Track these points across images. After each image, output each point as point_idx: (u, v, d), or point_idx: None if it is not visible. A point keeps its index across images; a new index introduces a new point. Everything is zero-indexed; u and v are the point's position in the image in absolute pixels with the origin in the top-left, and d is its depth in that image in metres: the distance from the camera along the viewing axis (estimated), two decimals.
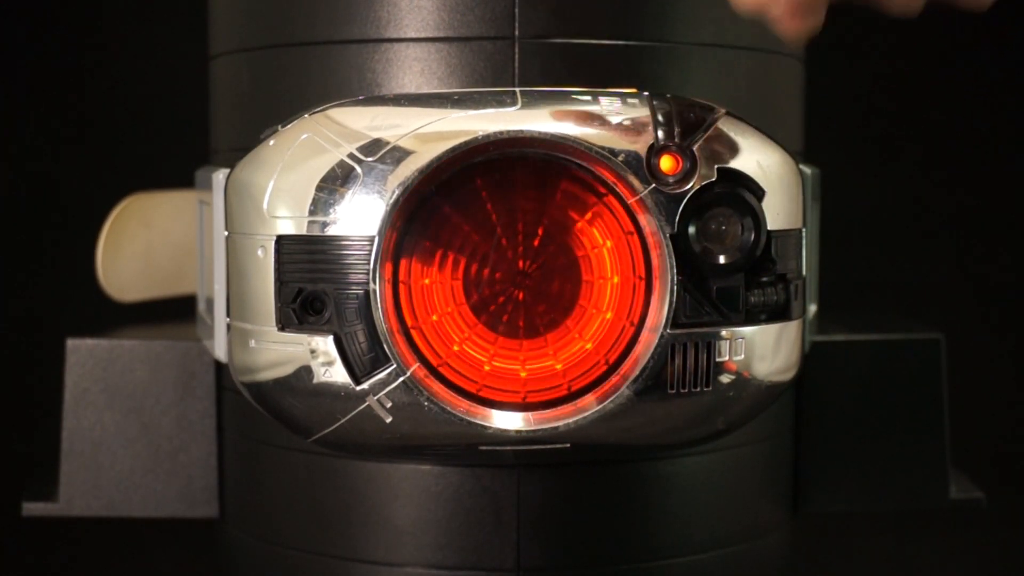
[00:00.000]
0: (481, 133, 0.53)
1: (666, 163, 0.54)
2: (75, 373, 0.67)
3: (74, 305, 0.87)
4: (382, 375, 0.54)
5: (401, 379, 0.54)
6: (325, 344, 0.54)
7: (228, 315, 0.57)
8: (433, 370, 0.55)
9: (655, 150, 0.54)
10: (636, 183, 0.54)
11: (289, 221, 0.54)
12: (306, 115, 0.55)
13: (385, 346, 0.54)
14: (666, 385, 0.54)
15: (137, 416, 0.67)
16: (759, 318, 0.56)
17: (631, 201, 0.54)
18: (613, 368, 0.55)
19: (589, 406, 0.55)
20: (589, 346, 0.56)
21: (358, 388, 0.54)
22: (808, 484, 0.68)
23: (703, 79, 0.60)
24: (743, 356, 0.55)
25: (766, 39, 0.63)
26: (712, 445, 0.61)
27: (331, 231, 0.53)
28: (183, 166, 0.73)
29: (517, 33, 0.58)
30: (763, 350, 0.56)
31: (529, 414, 0.55)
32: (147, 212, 0.75)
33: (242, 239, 0.56)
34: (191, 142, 0.78)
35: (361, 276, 0.53)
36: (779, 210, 0.56)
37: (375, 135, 0.54)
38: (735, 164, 0.55)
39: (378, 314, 0.53)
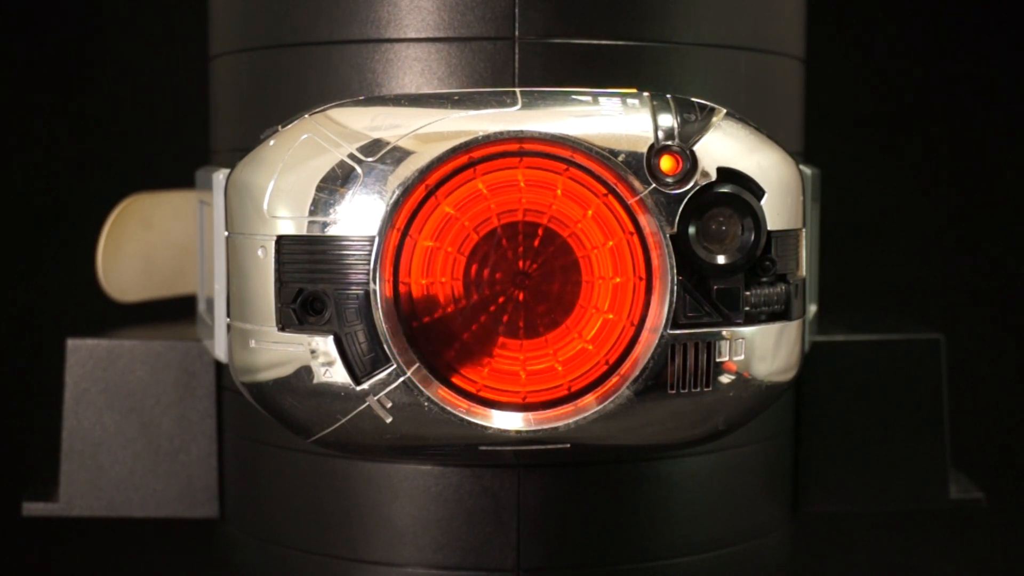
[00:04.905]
0: (481, 133, 0.53)
1: (666, 163, 0.54)
2: (75, 373, 0.67)
3: (74, 305, 0.87)
4: (382, 375, 0.54)
5: (401, 379, 0.54)
6: (325, 344, 0.54)
7: (228, 315, 0.57)
8: (433, 370, 0.55)
9: (655, 150, 0.54)
10: (636, 183, 0.54)
11: (289, 221, 0.54)
12: (306, 115, 0.55)
13: (385, 346, 0.54)
14: (666, 385, 0.54)
15: (137, 416, 0.67)
16: (759, 318, 0.56)
17: (631, 201, 0.54)
18: (613, 368, 0.55)
19: (589, 406, 0.55)
20: (589, 347, 0.56)
21: (358, 388, 0.54)
22: (808, 484, 0.68)
23: (703, 79, 0.60)
24: (743, 356, 0.55)
25: (766, 39, 0.63)
26: (712, 445, 0.61)
27: (331, 231, 0.53)
28: (183, 166, 0.73)
29: (517, 33, 0.58)
30: (763, 350, 0.56)
31: (529, 414, 0.55)
32: (147, 212, 0.75)
33: (242, 239, 0.56)
34: (191, 142, 0.78)
35: (361, 276, 0.53)
36: (779, 210, 0.55)
37: (375, 135, 0.54)
38: (735, 164, 0.55)
39: (378, 314, 0.53)
